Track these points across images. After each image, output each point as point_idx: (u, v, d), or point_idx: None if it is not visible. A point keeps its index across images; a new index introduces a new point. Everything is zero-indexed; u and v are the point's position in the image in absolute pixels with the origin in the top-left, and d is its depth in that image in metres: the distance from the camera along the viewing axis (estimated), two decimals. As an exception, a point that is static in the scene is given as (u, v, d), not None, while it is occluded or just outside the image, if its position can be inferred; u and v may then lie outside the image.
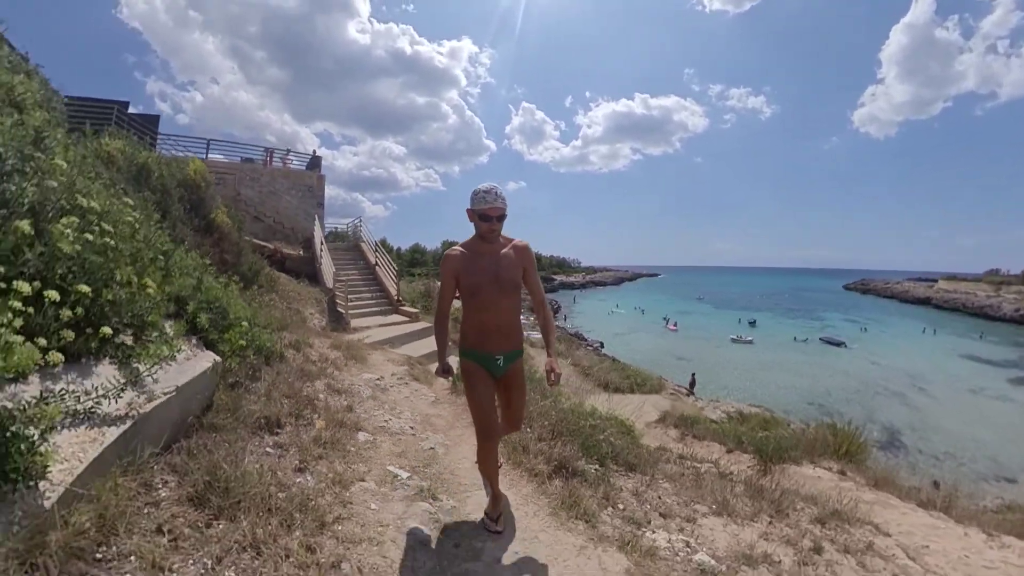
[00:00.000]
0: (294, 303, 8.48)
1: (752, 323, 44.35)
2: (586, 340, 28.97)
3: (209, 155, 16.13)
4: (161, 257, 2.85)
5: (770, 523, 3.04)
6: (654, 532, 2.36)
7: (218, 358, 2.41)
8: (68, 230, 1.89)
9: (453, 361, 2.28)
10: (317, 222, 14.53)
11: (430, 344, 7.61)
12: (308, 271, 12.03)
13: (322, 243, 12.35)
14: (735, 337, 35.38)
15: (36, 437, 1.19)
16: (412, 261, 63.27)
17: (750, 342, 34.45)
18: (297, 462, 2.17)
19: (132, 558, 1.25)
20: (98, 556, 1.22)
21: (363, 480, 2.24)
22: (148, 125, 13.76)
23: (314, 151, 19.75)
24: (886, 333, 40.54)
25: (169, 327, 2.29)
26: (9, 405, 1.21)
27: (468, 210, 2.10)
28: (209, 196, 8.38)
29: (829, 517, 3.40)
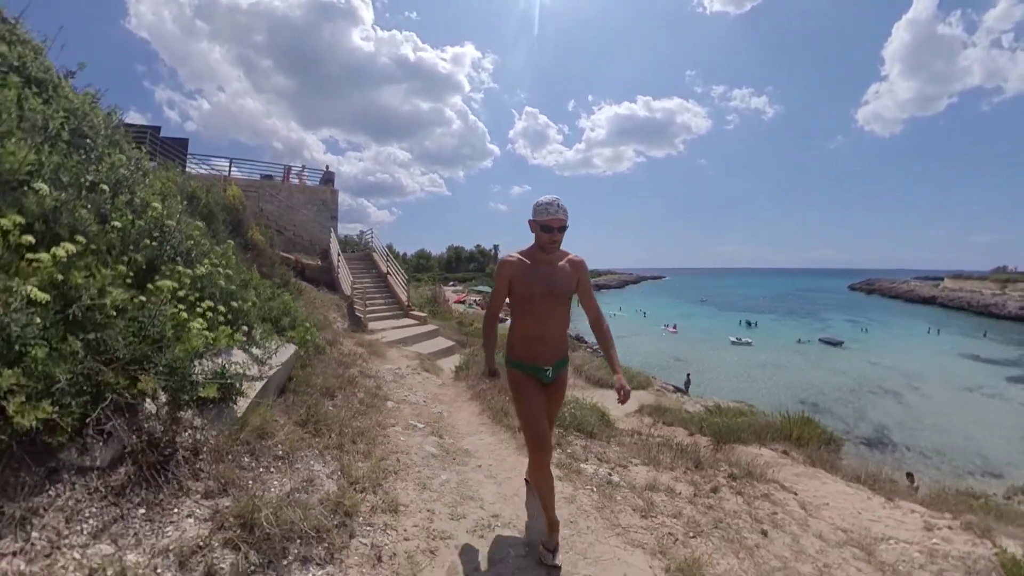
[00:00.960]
0: (318, 308, 9.69)
1: (752, 324, 44.98)
2: (586, 342, 30.04)
3: (232, 172, 17.49)
4: (247, 278, 4.05)
5: (685, 472, 4.12)
6: (587, 464, 3.48)
7: (296, 347, 3.59)
8: (213, 268, 3.08)
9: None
10: (333, 235, 15.80)
11: (438, 344, 8.77)
12: (326, 279, 13.25)
13: (339, 254, 13.59)
14: (735, 339, 36.11)
15: (238, 382, 2.36)
16: (418, 267, 64.74)
17: (749, 343, 35.13)
18: (352, 415, 3.33)
19: (279, 444, 2.41)
20: (261, 441, 2.38)
21: (394, 426, 3.40)
22: (178, 148, 15.13)
23: (327, 167, 20.91)
24: (887, 333, 40.74)
25: (263, 326, 3.47)
26: (223, 363, 2.39)
27: (530, 221, 2.15)
28: (245, 217, 9.67)
29: (742, 475, 4.46)
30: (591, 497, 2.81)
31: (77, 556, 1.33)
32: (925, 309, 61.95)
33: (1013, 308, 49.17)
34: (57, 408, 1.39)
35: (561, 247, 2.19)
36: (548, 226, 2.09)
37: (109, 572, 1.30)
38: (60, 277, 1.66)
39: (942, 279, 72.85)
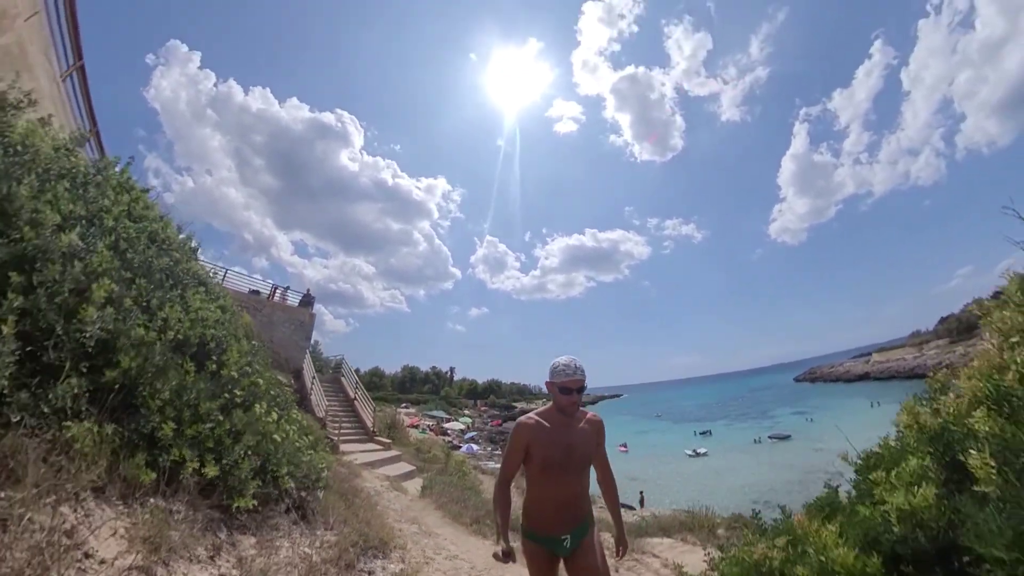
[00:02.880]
0: (296, 428, 11.00)
1: (707, 433, 45.20)
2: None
3: (225, 280, 18.88)
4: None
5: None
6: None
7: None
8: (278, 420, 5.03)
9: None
10: (308, 356, 17.30)
11: (401, 468, 10.15)
12: (297, 399, 14.45)
13: (314, 377, 15.02)
14: (691, 452, 36.22)
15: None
16: (370, 384, 63.67)
17: (705, 454, 35.42)
18: (366, 508, 5.02)
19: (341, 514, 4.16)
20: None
21: (388, 519, 5.09)
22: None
23: (308, 290, 22.28)
24: (832, 417, 41.34)
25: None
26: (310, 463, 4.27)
27: (547, 383, 2.09)
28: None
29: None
30: None
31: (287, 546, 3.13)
32: (863, 386, 64.27)
33: (931, 364, 52.47)
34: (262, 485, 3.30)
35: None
36: (567, 388, 2.03)
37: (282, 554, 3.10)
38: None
39: (871, 354, 76.94)
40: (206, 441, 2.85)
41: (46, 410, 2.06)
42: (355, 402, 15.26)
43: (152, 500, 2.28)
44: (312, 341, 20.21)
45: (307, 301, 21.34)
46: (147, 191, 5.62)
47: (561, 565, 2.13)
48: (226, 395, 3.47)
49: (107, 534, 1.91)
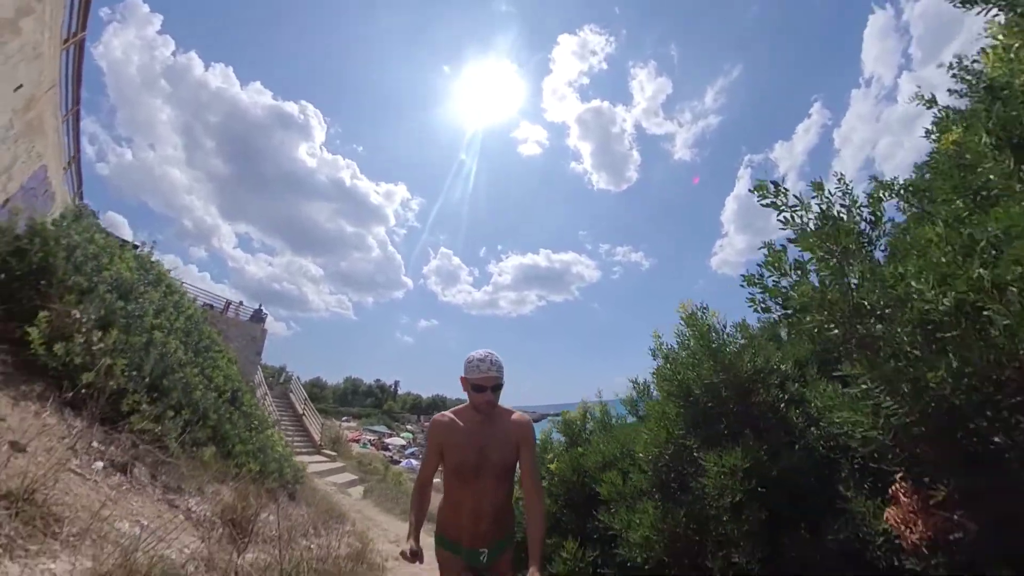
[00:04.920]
0: (253, 440, 12.85)
1: None
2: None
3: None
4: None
5: None
6: None
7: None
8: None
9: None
10: (260, 371, 18.79)
11: (346, 477, 12.20)
12: (250, 413, 16.06)
13: (266, 393, 16.64)
14: None
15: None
16: (311, 395, 63.01)
17: None
18: (324, 499, 7.25)
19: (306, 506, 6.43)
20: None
21: (339, 506, 7.35)
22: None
23: (260, 306, 22.90)
24: None
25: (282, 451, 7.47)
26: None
27: (462, 378, 1.88)
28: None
29: None
30: None
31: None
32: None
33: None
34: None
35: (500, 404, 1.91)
36: (480, 385, 1.82)
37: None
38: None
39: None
40: (250, 451, 5.16)
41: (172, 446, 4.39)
42: (303, 417, 16.99)
43: (232, 483, 4.56)
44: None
45: (258, 317, 22.20)
46: (169, 271, 7.80)
47: None
48: (253, 423, 5.77)
49: (213, 496, 4.17)
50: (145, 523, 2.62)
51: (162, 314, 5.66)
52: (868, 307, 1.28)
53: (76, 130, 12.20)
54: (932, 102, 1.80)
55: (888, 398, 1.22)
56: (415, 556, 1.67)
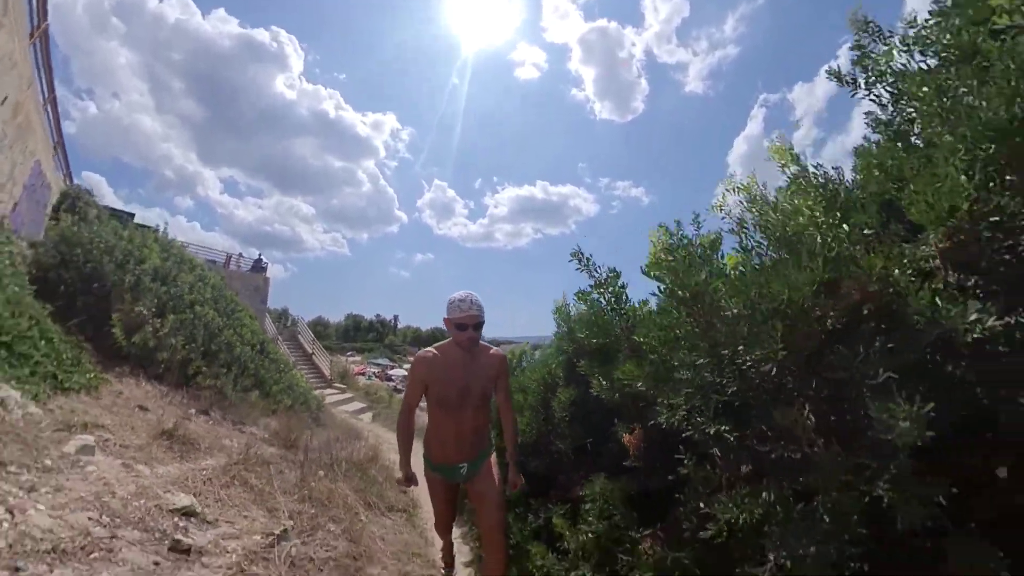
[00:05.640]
0: (273, 380, 14.77)
1: None
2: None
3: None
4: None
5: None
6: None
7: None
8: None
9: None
10: (268, 318, 20.38)
11: (356, 406, 14.27)
12: (265, 356, 17.95)
13: (277, 336, 18.40)
14: None
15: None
16: (315, 334, 65.70)
17: None
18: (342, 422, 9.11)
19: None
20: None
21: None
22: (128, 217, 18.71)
23: (260, 255, 24.08)
24: None
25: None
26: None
27: (445, 319, 2.07)
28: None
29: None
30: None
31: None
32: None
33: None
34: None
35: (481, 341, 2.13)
36: (463, 324, 2.02)
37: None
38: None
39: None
40: (283, 390, 6.82)
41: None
42: (313, 356, 18.92)
43: (276, 415, 6.22)
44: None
45: (259, 266, 23.06)
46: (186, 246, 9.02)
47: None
48: (280, 367, 7.40)
49: (265, 426, 5.83)
50: (233, 442, 4.24)
51: (194, 289, 7.00)
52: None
53: (56, 116, 12.64)
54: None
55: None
56: (410, 481, 2.11)
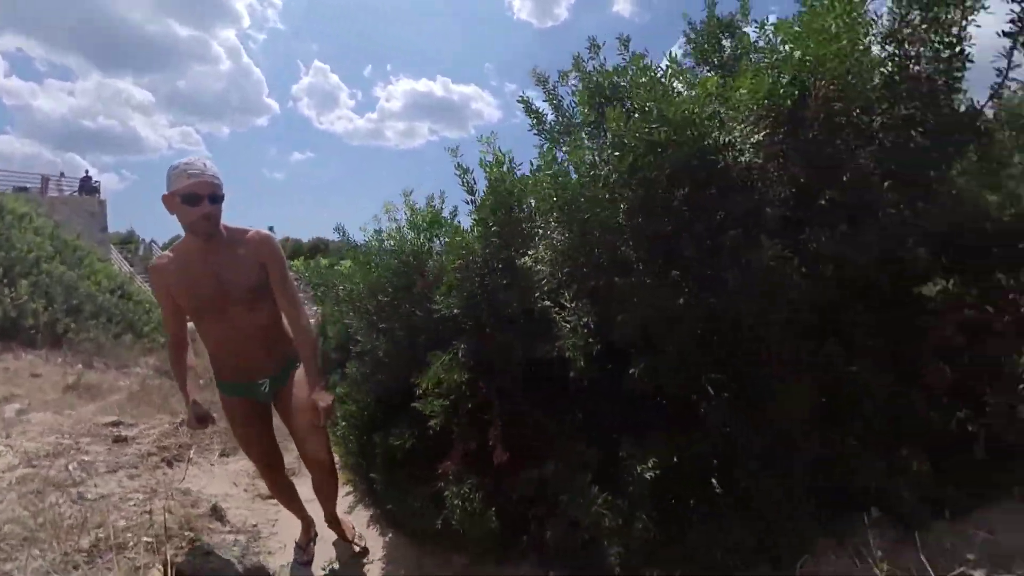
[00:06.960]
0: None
1: None
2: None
3: None
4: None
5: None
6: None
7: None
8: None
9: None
10: (114, 251, 18.43)
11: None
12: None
13: (131, 273, 17.03)
14: None
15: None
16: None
17: None
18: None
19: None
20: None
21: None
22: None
23: (86, 172, 19.93)
24: None
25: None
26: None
27: (165, 196, 1.57)
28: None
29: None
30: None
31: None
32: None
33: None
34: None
35: (232, 227, 1.72)
36: (193, 195, 1.53)
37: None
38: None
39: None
40: (154, 327, 7.73)
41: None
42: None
43: (154, 353, 7.23)
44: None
45: (89, 187, 19.56)
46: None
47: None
48: (145, 306, 8.16)
49: (145, 364, 6.87)
50: (128, 381, 5.45)
51: (35, 246, 7.15)
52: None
53: None
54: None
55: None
56: (202, 420, 1.66)
